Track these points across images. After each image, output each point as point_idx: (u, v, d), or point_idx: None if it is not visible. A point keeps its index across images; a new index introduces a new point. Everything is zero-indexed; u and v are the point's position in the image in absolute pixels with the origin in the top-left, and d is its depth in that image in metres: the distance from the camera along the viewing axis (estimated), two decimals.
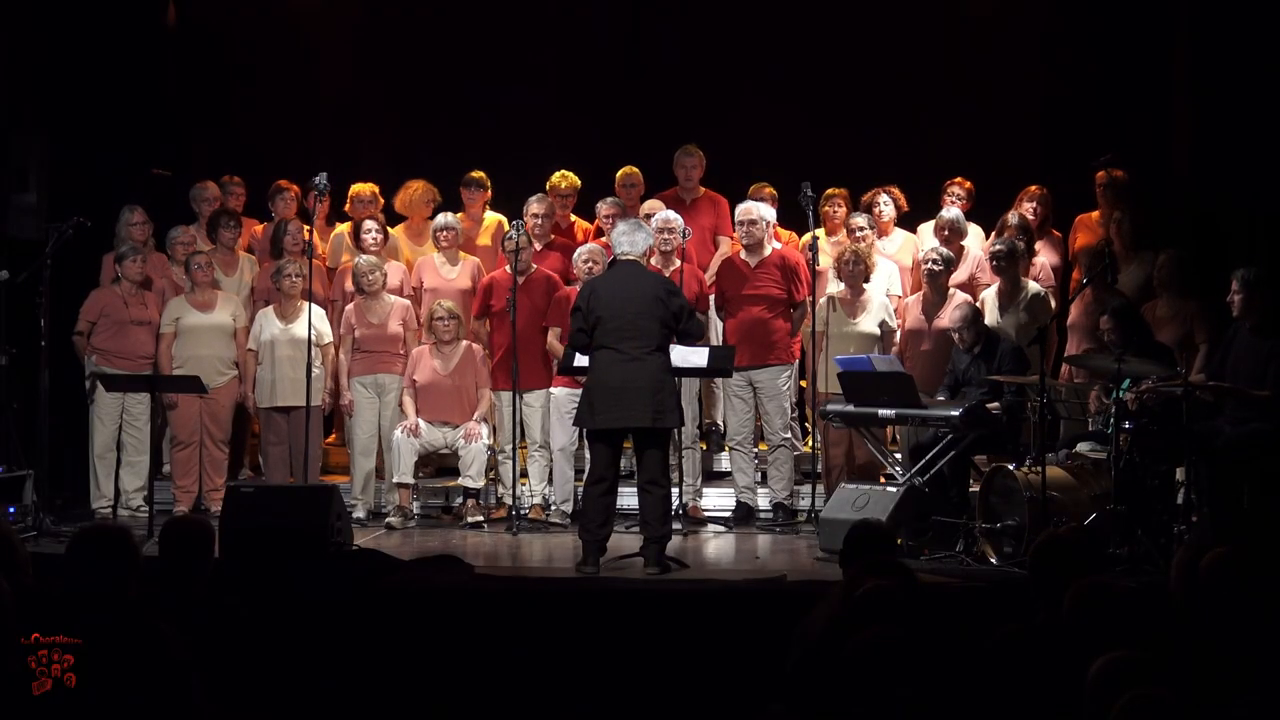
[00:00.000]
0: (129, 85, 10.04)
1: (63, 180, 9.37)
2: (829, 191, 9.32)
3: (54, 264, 8.45)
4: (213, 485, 8.87)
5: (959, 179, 9.39)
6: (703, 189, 9.43)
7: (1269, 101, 8.84)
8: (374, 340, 8.87)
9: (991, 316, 8.33)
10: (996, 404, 7.67)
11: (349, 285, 9.08)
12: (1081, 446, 7.52)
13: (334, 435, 9.66)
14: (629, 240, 7.40)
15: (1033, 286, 8.50)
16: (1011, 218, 8.85)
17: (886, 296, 8.76)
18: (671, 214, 8.72)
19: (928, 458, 7.68)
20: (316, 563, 6.91)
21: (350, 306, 8.97)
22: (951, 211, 9.05)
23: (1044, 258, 8.92)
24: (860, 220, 8.97)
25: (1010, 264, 8.41)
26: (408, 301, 9.05)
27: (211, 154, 10.30)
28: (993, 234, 9.02)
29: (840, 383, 8.04)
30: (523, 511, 8.54)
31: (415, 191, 9.59)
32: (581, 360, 7.47)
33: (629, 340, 7.15)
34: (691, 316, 7.38)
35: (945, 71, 10.40)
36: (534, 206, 9.13)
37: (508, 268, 8.60)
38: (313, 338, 8.47)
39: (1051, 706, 3.74)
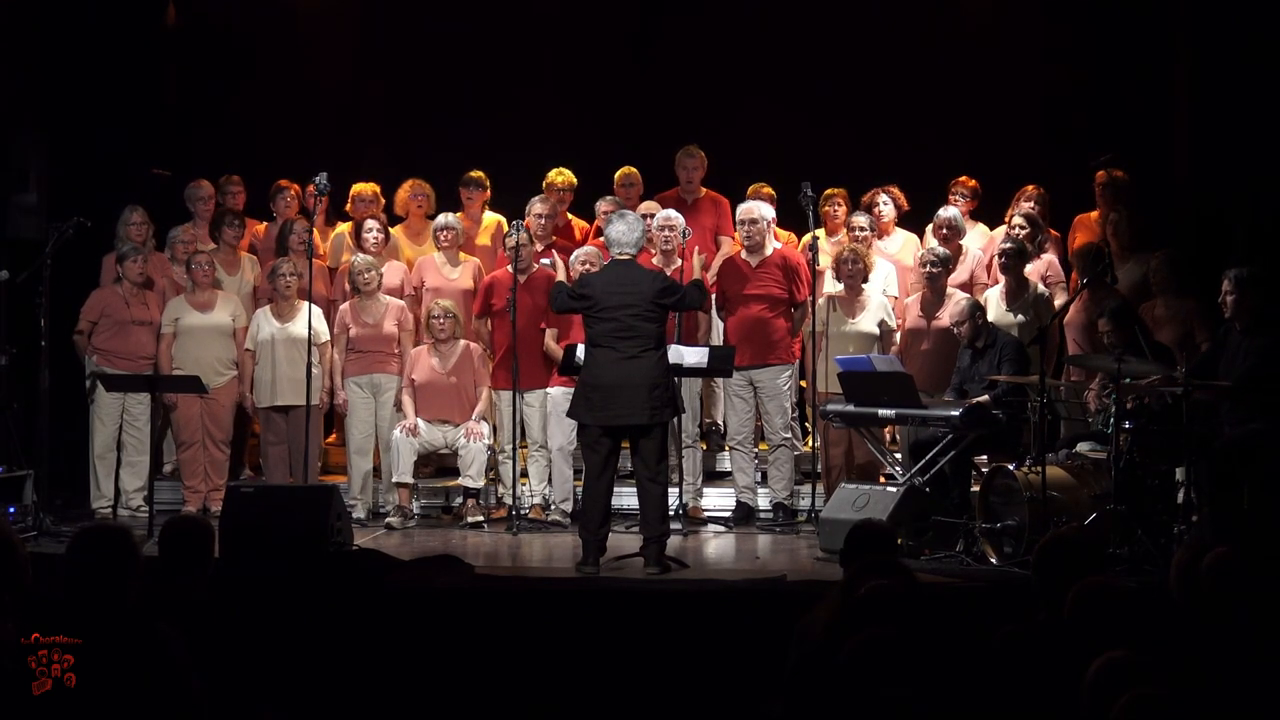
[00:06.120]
0: (129, 85, 10.04)
1: (63, 180, 9.38)
2: (829, 191, 9.33)
3: (54, 264, 8.46)
4: (213, 485, 8.86)
5: (963, 178, 9.40)
6: (704, 190, 9.43)
7: (1269, 102, 8.84)
8: (369, 340, 8.87)
9: (996, 315, 8.33)
10: (987, 397, 7.66)
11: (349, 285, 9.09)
12: (1081, 446, 7.52)
13: (334, 435, 9.66)
14: (624, 238, 7.39)
15: (1038, 287, 8.50)
16: (1018, 215, 8.85)
17: (885, 296, 8.77)
18: (673, 212, 8.72)
19: (928, 457, 7.68)
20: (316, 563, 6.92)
21: (345, 306, 8.97)
22: (949, 210, 9.04)
23: (1052, 255, 8.92)
24: (861, 220, 8.98)
25: (1018, 263, 8.41)
26: (402, 302, 9.05)
27: (211, 154, 10.29)
28: (1001, 229, 9.03)
29: (840, 383, 8.05)
30: (523, 511, 8.54)
31: (405, 191, 9.61)
32: (582, 358, 7.48)
33: (624, 340, 7.16)
34: (684, 290, 7.36)
35: (945, 71, 10.40)
36: (537, 206, 9.14)
37: (509, 267, 8.61)
38: (310, 337, 8.46)
39: (1051, 706, 3.74)
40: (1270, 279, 7.25)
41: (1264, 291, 7.13)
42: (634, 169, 9.49)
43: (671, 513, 7.70)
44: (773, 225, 8.82)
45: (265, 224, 9.76)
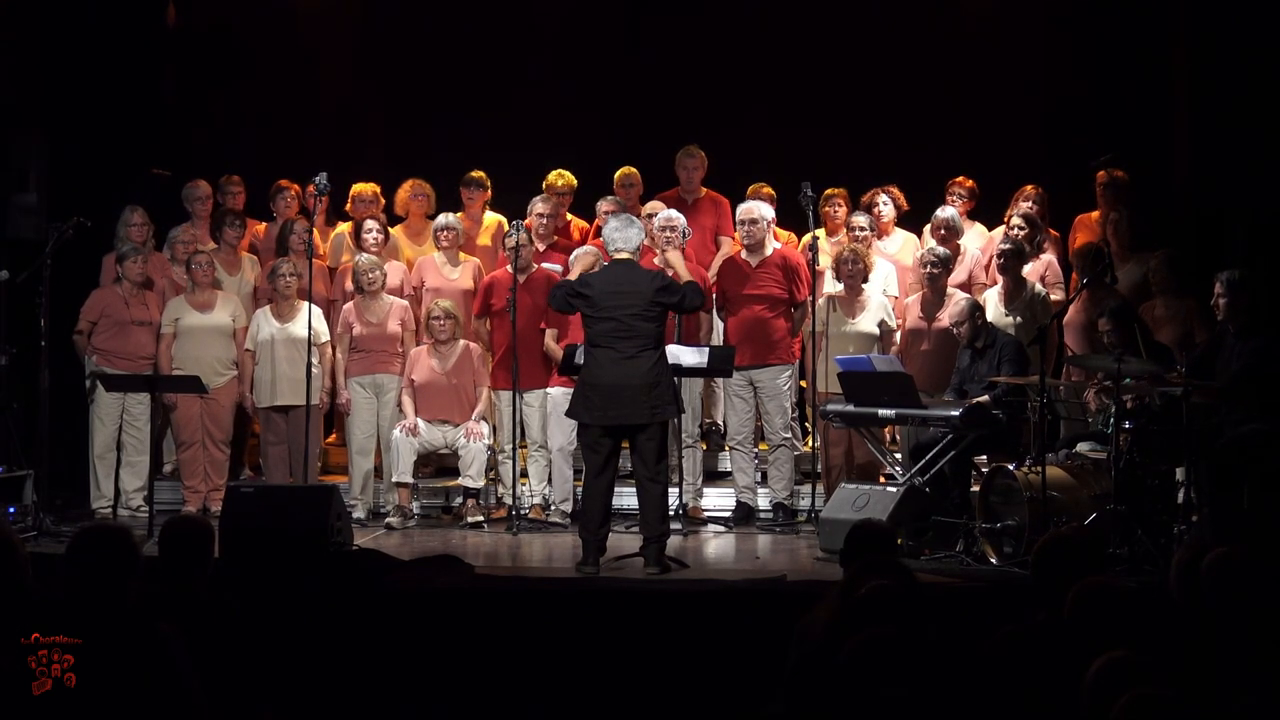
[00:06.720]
0: (129, 85, 10.04)
1: (63, 180, 9.38)
2: (829, 191, 9.33)
3: (54, 264, 8.45)
4: (213, 485, 8.87)
5: (961, 178, 9.41)
6: (704, 190, 9.43)
7: (1269, 102, 8.84)
8: (372, 340, 8.87)
9: (994, 315, 8.33)
10: (987, 397, 7.66)
11: (350, 285, 9.08)
12: (1081, 446, 7.52)
13: (334, 435, 9.66)
14: (622, 237, 7.39)
15: (1035, 287, 8.50)
16: (1017, 216, 8.85)
17: (885, 296, 8.77)
18: (673, 212, 8.70)
19: (928, 457, 7.68)
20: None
21: (348, 305, 8.97)
22: (947, 210, 9.04)
23: (1050, 255, 8.92)
24: (861, 220, 8.99)
25: (1017, 263, 8.41)
26: (406, 302, 9.05)
27: (211, 154, 10.30)
28: (999, 229, 9.04)
29: (840, 383, 8.05)
30: (523, 511, 8.54)
31: (405, 191, 9.62)
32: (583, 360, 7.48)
33: (623, 340, 7.16)
34: (683, 290, 7.32)
35: (945, 72, 10.40)
36: (539, 206, 9.15)
37: (509, 267, 8.61)
38: (310, 337, 8.46)
39: (1051, 706, 3.74)
40: (1264, 280, 7.25)
41: (1256, 293, 7.13)
42: (634, 169, 9.49)
43: (671, 513, 7.71)
44: (773, 225, 8.82)
45: (265, 224, 9.76)
